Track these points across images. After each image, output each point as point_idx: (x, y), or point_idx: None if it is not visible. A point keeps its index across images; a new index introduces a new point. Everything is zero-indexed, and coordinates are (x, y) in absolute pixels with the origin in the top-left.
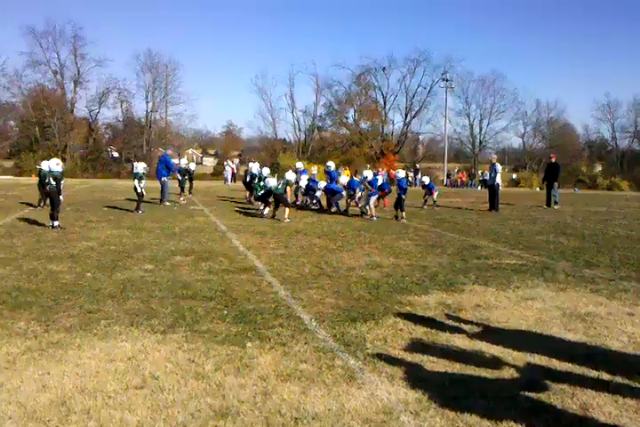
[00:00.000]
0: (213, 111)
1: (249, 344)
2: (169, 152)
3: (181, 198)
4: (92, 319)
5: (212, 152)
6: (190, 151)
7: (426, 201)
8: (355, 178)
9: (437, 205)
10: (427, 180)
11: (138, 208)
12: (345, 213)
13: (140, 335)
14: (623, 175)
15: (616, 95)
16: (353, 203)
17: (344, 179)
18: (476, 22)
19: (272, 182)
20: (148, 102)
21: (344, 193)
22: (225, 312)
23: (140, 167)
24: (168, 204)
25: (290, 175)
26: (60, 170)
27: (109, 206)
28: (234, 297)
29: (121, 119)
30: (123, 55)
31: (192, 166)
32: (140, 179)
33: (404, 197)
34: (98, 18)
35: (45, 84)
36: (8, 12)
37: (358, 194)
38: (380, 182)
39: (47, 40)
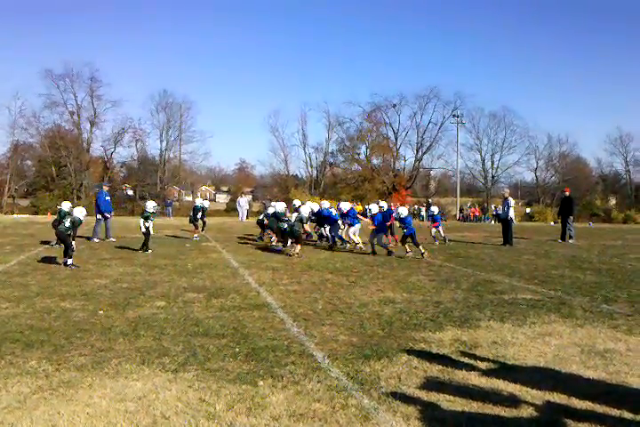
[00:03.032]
0: (226, 149)
1: (261, 383)
2: (105, 188)
3: (195, 235)
4: (104, 358)
5: (224, 189)
6: (203, 188)
7: (435, 237)
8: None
9: (450, 240)
10: (435, 209)
11: (144, 247)
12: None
13: (152, 374)
14: (638, 208)
15: (628, 128)
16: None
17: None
18: (486, 59)
19: (305, 210)
20: (162, 141)
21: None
22: (237, 350)
23: (149, 206)
24: (96, 240)
25: (305, 210)
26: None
27: (120, 247)
28: (246, 334)
29: (135, 158)
30: (138, 95)
31: (206, 204)
32: (146, 218)
33: (408, 235)
34: (114, 59)
35: (62, 124)
36: (27, 56)
37: (352, 229)
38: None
39: (65, 82)
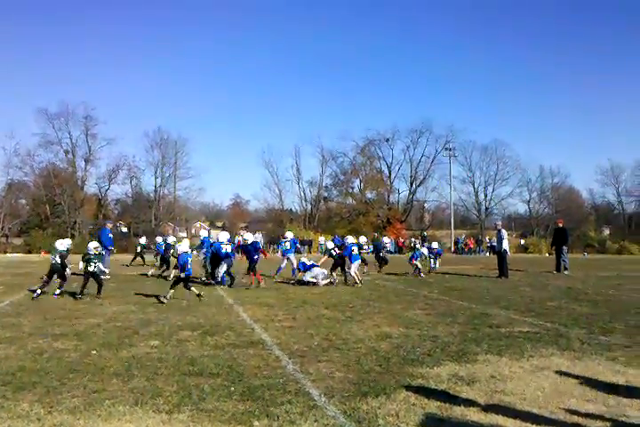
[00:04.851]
0: (221, 184)
1: (256, 423)
2: (108, 226)
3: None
4: (97, 399)
5: (219, 224)
6: (198, 224)
7: (432, 267)
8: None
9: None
10: (436, 245)
11: (83, 292)
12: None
13: (145, 416)
14: (632, 239)
15: (619, 159)
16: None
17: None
18: (477, 92)
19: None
20: (156, 178)
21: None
22: (232, 389)
23: (90, 247)
24: (108, 277)
25: (330, 244)
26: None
27: (113, 285)
28: (241, 373)
29: (130, 195)
30: (133, 132)
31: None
32: (87, 261)
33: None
34: (108, 97)
35: (57, 162)
36: (22, 95)
37: (353, 266)
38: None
39: (59, 121)
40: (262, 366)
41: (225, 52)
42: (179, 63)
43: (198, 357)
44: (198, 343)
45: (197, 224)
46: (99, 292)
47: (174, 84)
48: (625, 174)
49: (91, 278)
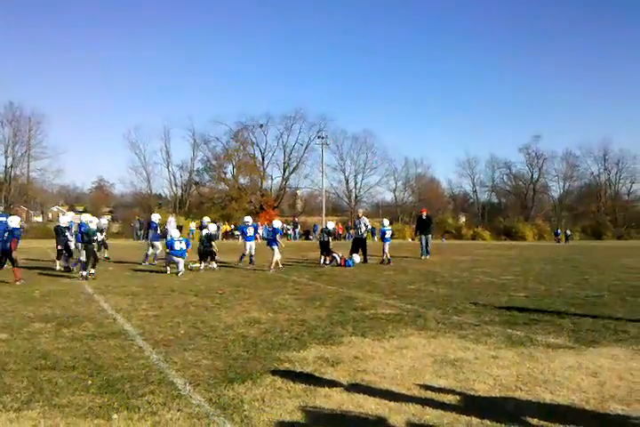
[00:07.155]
0: (82, 166)
1: (115, 416)
2: None
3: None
4: None
5: (80, 209)
6: (55, 208)
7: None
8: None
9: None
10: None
11: None
12: None
13: None
14: (484, 226)
15: (475, 153)
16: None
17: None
18: (348, 83)
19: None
20: (7, 157)
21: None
22: (89, 382)
23: None
24: None
25: (212, 227)
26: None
27: None
28: (99, 365)
29: None
30: None
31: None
32: None
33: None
34: None
35: None
36: None
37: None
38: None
39: None
40: (123, 357)
41: (91, 21)
42: (37, 30)
43: (52, 350)
44: (52, 336)
45: (55, 209)
46: None
47: (29, 53)
48: (479, 166)
49: None
